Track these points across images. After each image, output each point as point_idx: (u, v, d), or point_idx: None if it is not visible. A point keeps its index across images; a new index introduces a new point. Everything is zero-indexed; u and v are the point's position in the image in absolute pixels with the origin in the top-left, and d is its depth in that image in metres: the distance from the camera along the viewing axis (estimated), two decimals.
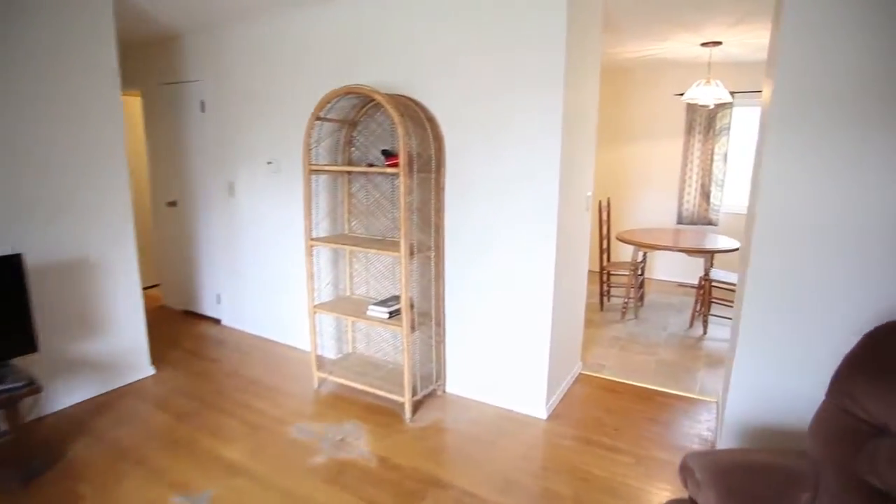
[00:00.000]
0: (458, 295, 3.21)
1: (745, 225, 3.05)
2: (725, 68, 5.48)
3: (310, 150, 3.10)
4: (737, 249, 4.51)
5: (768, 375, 2.31)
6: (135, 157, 5.30)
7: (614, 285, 5.38)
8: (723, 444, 2.50)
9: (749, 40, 4.43)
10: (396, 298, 3.12)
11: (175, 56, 4.38)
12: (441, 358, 3.31)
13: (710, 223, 5.98)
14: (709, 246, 4.64)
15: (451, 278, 3.21)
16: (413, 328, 2.99)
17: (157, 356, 3.76)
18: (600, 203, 5.19)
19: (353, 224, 3.51)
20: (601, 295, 5.21)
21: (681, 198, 6.09)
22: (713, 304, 4.86)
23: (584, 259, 3.58)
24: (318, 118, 3.07)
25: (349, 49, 3.35)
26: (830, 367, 1.76)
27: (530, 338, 3.01)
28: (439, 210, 3.11)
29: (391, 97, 2.83)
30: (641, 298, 5.38)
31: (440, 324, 3.25)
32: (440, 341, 3.28)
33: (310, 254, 3.21)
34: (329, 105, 3.05)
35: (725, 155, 5.80)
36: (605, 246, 5.20)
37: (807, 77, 2.05)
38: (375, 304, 3.11)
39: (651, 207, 6.37)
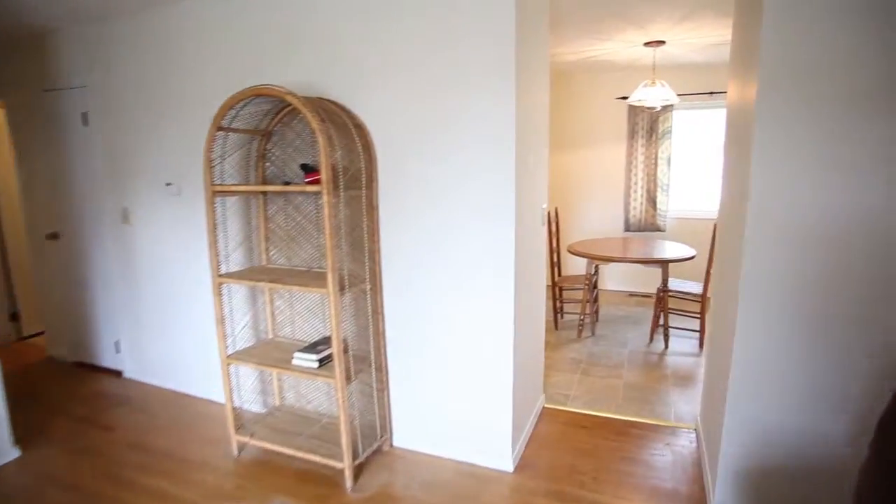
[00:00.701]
0: (401, 332, 2.72)
1: (719, 232, 2.75)
2: (667, 71, 5.33)
3: (212, 167, 2.54)
4: (693, 257, 4.28)
5: (770, 410, 1.98)
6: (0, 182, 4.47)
7: (567, 300, 5.06)
8: (719, 492, 2.13)
9: (692, 40, 4.25)
10: (328, 340, 2.60)
11: (50, 56, 3.66)
12: (385, 407, 2.80)
13: (657, 229, 5.81)
14: (661, 254, 4.39)
15: (392, 313, 2.72)
16: (349, 377, 2.48)
17: (31, 430, 3.03)
18: (549, 214, 4.86)
19: (272, 253, 2.95)
20: (555, 312, 4.87)
21: (627, 205, 5.89)
22: (672, 315, 4.62)
23: (541, 278, 3.19)
24: (221, 128, 2.51)
25: (264, 46, 2.81)
26: (842, 396, 1.42)
27: (489, 376, 2.56)
28: (373, 233, 2.62)
29: (310, 100, 2.32)
30: (596, 313, 5.09)
31: (382, 367, 2.75)
32: (383, 388, 2.77)
33: (218, 293, 2.63)
34: (233, 111, 2.50)
35: (669, 159, 5.65)
36: (555, 259, 4.87)
37: (798, 67, 1.75)
38: (303, 350, 2.57)
39: (597, 216, 6.14)
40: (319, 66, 2.66)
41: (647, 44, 4.34)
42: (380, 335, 2.71)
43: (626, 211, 5.90)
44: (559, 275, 5.00)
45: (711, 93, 5.40)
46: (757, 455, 2.02)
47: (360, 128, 2.55)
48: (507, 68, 2.26)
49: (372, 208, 2.59)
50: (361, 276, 2.58)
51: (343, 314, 2.68)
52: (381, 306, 2.71)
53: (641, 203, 5.82)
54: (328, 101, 2.58)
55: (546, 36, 2.98)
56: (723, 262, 2.58)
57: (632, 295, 6.02)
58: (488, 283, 2.47)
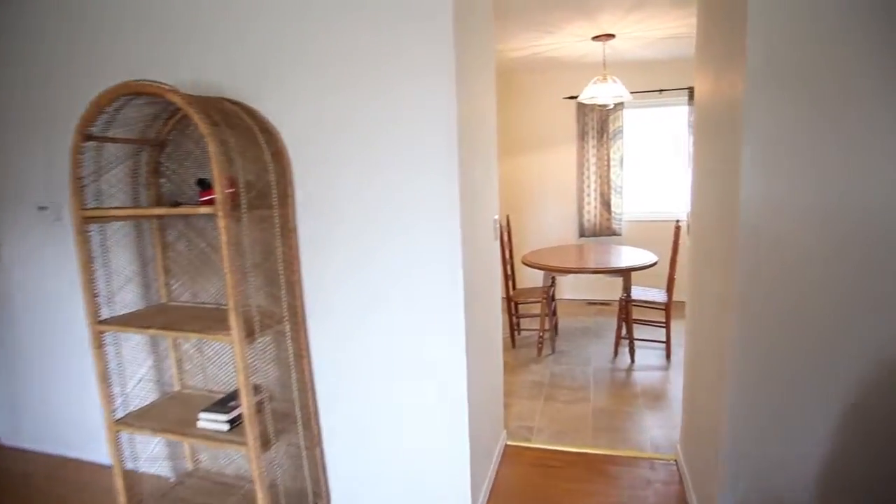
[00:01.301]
0: (334, 378, 2.26)
1: (693, 236, 2.45)
2: (616, 69, 5.10)
3: (81, 186, 2.01)
4: (655, 264, 4.01)
5: (772, 442, 1.66)
6: None
7: (524, 315, 4.71)
8: None
9: (641, 33, 4.00)
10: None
11: None
12: (319, 469, 2.33)
13: (613, 234, 5.56)
14: (622, 262, 4.11)
15: (321, 356, 2.26)
16: (267, 441, 1.99)
17: None
18: (500, 223, 4.51)
19: (174, 288, 2.43)
20: (511, 329, 4.51)
21: (581, 209, 5.62)
22: (636, 326, 4.34)
23: (496, 299, 2.80)
24: (90, 137, 2.00)
25: (153, 37, 2.31)
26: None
27: (442, 423, 2.14)
28: (292, 261, 2.15)
29: (200, 99, 1.85)
30: (556, 327, 4.76)
31: (311, 423, 2.28)
32: (314, 446, 2.29)
33: (98, 344, 2.09)
34: (105, 115, 1.99)
35: (622, 159, 5.43)
36: (509, 272, 4.51)
37: (792, 49, 1.44)
38: (210, 407, 2.07)
39: (551, 223, 5.85)
40: (223, 61, 2.18)
41: (595, 38, 4.06)
42: (307, 384, 2.24)
43: (581, 216, 5.63)
44: (514, 288, 4.65)
45: (662, 90, 5.21)
46: (760, 492, 1.69)
47: (269, 133, 2.08)
48: (446, 63, 1.87)
49: (288, 231, 2.13)
50: (278, 314, 2.11)
51: (261, 360, 2.20)
52: (307, 349, 2.24)
53: (595, 207, 5.57)
54: (228, 100, 2.10)
55: (491, 28, 2.61)
56: (700, 269, 2.27)
57: (591, 303, 5.75)
58: (436, 313, 2.05)
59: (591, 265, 3.97)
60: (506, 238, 4.64)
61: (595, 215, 5.56)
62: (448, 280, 2.01)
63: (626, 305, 4.03)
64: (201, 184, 2.06)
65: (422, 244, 2.02)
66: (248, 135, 1.99)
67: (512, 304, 4.44)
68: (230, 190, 1.77)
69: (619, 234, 5.53)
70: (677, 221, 5.23)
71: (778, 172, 1.52)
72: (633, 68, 5.07)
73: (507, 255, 4.68)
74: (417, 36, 1.89)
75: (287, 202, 2.12)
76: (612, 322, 4.97)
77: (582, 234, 5.65)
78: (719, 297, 1.84)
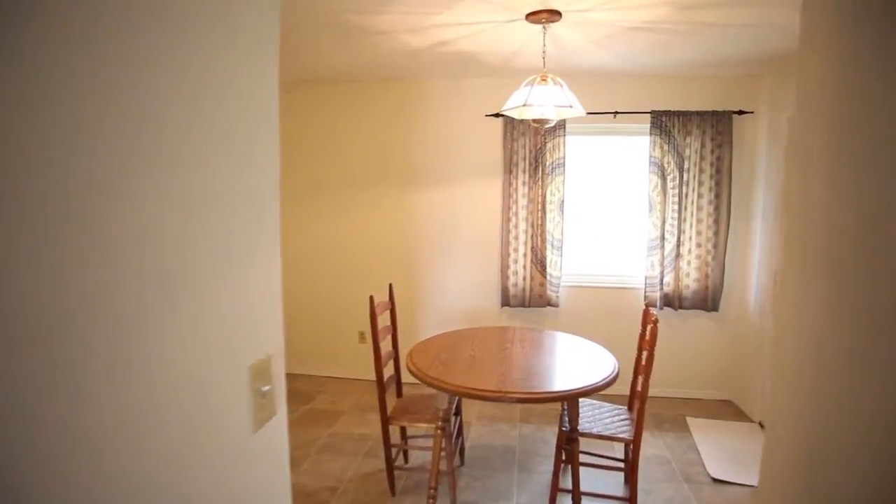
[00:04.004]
0: None
1: (785, 312, 0.88)
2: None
3: None
4: (615, 376, 2.47)
5: None
6: None
7: (412, 435, 3.05)
8: None
9: (606, 13, 2.55)
10: None
11: None
12: None
13: (548, 304, 4.05)
14: (562, 370, 2.56)
15: None
16: None
17: None
18: (390, 289, 2.86)
19: None
20: (389, 467, 2.80)
21: (504, 269, 4.08)
22: (584, 468, 2.76)
23: None
24: None
25: None
26: None
27: None
28: None
29: None
30: (462, 452, 3.12)
31: None
32: None
33: None
34: None
35: (561, 203, 3.96)
36: (397, 371, 2.87)
37: None
38: None
39: (463, 285, 4.26)
40: None
41: (532, 15, 2.57)
42: None
43: (504, 278, 4.08)
44: (399, 395, 2.99)
45: (617, 113, 3.82)
46: None
47: None
48: None
49: None
50: None
51: None
52: None
53: (525, 267, 4.04)
54: None
55: None
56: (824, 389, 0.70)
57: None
58: None
59: (515, 388, 2.35)
60: (391, 312, 3.01)
61: (524, 277, 4.04)
62: None
63: (571, 444, 2.45)
64: None
65: None
66: None
67: (393, 430, 2.75)
68: None
69: (556, 306, 4.02)
70: (645, 295, 3.85)
71: None
72: (580, 80, 3.63)
73: (393, 344, 3.03)
74: None
75: None
76: (548, 436, 3.40)
77: (506, 303, 4.09)
78: None
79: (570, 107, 2.44)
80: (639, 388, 2.50)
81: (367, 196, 4.31)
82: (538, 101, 2.45)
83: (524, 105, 2.45)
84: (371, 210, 4.31)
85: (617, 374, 2.43)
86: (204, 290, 0.80)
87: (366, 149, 4.28)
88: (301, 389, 4.28)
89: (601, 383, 2.32)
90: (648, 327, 2.48)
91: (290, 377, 4.83)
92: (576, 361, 2.69)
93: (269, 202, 1.01)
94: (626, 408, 2.79)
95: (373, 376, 2.71)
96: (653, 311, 2.65)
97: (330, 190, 4.38)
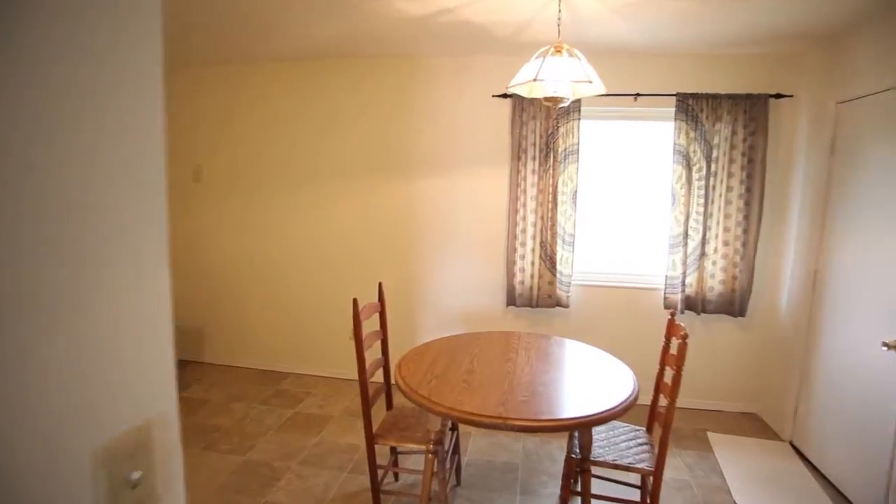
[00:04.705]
0: None
1: None
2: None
3: None
4: (633, 402, 2.13)
5: None
6: None
7: (404, 451, 2.74)
8: None
9: None
10: None
11: None
12: None
13: (558, 304, 3.71)
14: (572, 391, 2.23)
15: None
16: None
17: None
18: (380, 289, 2.53)
19: None
20: (375, 490, 2.47)
21: (511, 265, 3.73)
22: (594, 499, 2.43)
23: None
24: None
25: None
26: None
27: None
28: None
29: None
30: (458, 470, 2.81)
31: None
32: None
33: None
34: None
35: (574, 194, 3.60)
36: (387, 381, 2.55)
37: None
38: None
39: (465, 285, 3.92)
40: None
41: None
42: None
43: (510, 276, 3.74)
44: (389, 406, 2.68)
45: (638, 95, 3.44)
46: None
47: None
48: None
49: None
50: None
51: None
52: None
53: (533, 263, 3.69)
54: None
55: None
56: None
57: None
58: None
59: (518, 405, 2.01)
60: (380, 313, 2.68)
61: (531, 275, 3.69)
62: None
63: (583, 475, 2.12)
64: None
65: None
66: None
67: (380, 452, 2.43)
68: None
69: (566, 306, 3.68)
70: (665, 296, 3.45)
71: None
72: (597, 58, 3.23)
73: (383, 350, 2.71)
74: None
75: None
76: (554, 452, 3.08)
77: (511, 303, 3.75)
78: None
79: (590, 82, 2.07)
80: (661, 409, 2.15)
81: (363, 185, 3.96)
82: (551, 76, 2.08)
83: (535, 80, 2.09)
84: (367, 200, 3.97)
85: (636, 397, 2.09)
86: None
87: (360, 133, 3.93)
88: (289, 391, 3.98)
89: (618, 408, 1.98)
90: (675, 342, 2.12)
91: (279, 376, 4.58)
92: (589, 378, 2.35)
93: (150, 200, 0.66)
94: (644, 429, 2.45)
95: None
96: (680, 322, 2.30)
97: (322, 179, 4.04)
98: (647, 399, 2.46)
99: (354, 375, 2.29)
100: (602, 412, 1.94)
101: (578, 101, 3.45)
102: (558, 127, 3.52)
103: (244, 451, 3.10)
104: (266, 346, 4.35)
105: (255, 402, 3.78)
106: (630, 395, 2.07)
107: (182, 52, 3.72)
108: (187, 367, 4.43)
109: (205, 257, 4.37)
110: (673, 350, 2.20)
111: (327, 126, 3.98)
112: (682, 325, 2.22)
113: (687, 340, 2.03)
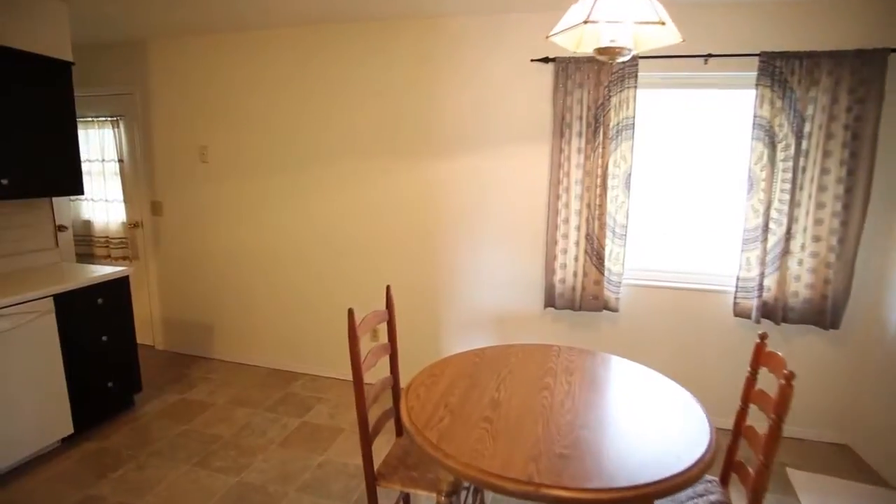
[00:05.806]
0: None
1: None
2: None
3: None
4: (710, 461, 1.58)
5: None
6: None
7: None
8: None
9: None
10: None
11: None
12: None
13: (605, 307, 3.15)
14: (643, 447, 1.70)
15: None
16: None
17: None
18: (387, 294, 2.06)
19: None
20: None
21: (550, 260, 3.19)
22: None
23: None
24: None
25: None
26: None
27: None
28: None
29: None
30: None
31: None
32: None
33: None
34: None
35: (627, 177, 3.01)
36: (395, 404, 2.08)
37: None
38: None
39: (496, 282, 3.41)
40: None
41: None
42: None
43: (549, 273, 3.20)
44: (399, 433, 2.22)
45: (709, 56, 2.81)
46: None
47: None
48: None
49: None
50: None
51: None
52: None
53: (577, 258, 3.14)
54: None
55: None
56: None
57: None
58: None
59: (555, 463, 1.49)
60: (388, 322, 2.21)
61: (574, 272, 3.14)
62: None
63: None
64: None
65: None
66: None
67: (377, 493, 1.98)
68: None
69: (615, 310, 3.12)
70: (736, 301, 2.79)
71: None
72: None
73: (392, 368, 2.24)
74: None
75: None
76: None
77: (550, 304, 3.22)
78: None
79: (662, 23, 1.50)
80: (751, 468, 1.61)
81: (379, 166, 3.48)
82: (608, 15, 1.53)
83: (585, 22, 1.53)
84: (384, 183, 3.49)
85: (714, 453, 1.54)
86: None
87: (376, 106, 3.43)
88: (299, 395, 3.59)
89: (694, 469, 1.45)
90: (778, 382, 1.56)
91: (290, 377, 4.14)
92: (648, 418, 1.81)
93: None
94: (717, 481, 1.91)
95: None
96: (777, 352, 1.72)
97: (333, 158, 3.58)
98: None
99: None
100: (672, 476, 1.41)
101: (635, 65, 2.85)
102: (610, 97, 2.93)
103: (239, 469, 2.72)
104: (278, 343, 3.98)
105: (260, 408, 3.40)
106: (706, 451, 1.53)
107: (171, 21, 3.30)
108: (196, 364, 4.11)
109: (214, 247, 4.01)
110: (763, 385, 1.64)
111: (331, 97, 3.51)
112: (781, 354, 1.65)
113: (792, 384, 1.47)
